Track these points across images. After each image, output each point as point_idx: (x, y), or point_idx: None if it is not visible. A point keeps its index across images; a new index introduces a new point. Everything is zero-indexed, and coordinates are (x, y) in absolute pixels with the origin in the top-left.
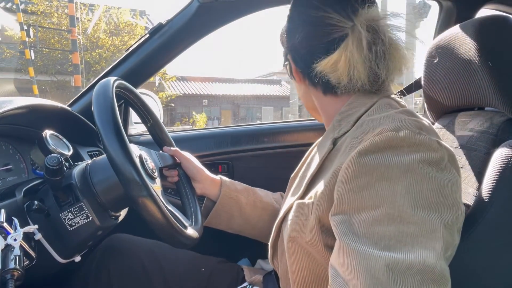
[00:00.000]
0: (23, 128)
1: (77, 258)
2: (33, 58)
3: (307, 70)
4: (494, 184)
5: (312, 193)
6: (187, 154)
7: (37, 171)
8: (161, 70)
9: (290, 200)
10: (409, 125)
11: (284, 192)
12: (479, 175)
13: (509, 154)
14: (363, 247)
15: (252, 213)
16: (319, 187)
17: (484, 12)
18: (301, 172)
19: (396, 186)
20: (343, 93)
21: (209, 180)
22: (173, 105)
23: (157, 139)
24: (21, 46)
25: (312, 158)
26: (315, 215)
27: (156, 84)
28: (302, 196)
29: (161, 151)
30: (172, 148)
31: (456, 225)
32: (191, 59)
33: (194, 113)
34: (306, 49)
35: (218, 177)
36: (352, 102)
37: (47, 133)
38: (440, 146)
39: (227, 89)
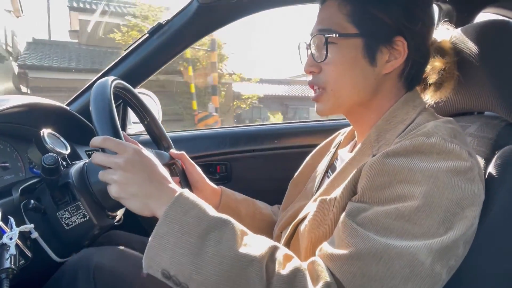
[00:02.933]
0: (21, 126)
1: None
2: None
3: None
4: (494, 189)
5: (335, 191)
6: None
7: (35, 169)
8: (239, 73)
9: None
10: (442, 132)
11: (283, 194)
12: None
13: (509, 159)
14: (363, 230)
15: (251, 225)
16: (343, 184)
17: (483, 16)
18: (330, 180)
19: (415, 188)
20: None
21: (210, 190)
22: (262, 106)
23: (154, 137)
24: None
25: (345, 170)
26: (336, 209)
27: (233, 88)
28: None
29: (157, 150)
30: (178, 152)
31: (464, 236)
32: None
33: (269, 113)
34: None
35: (218, 187)
36: (390, 115)
37: (45, 132)
38: (470, 156)
39: (275, 90)
